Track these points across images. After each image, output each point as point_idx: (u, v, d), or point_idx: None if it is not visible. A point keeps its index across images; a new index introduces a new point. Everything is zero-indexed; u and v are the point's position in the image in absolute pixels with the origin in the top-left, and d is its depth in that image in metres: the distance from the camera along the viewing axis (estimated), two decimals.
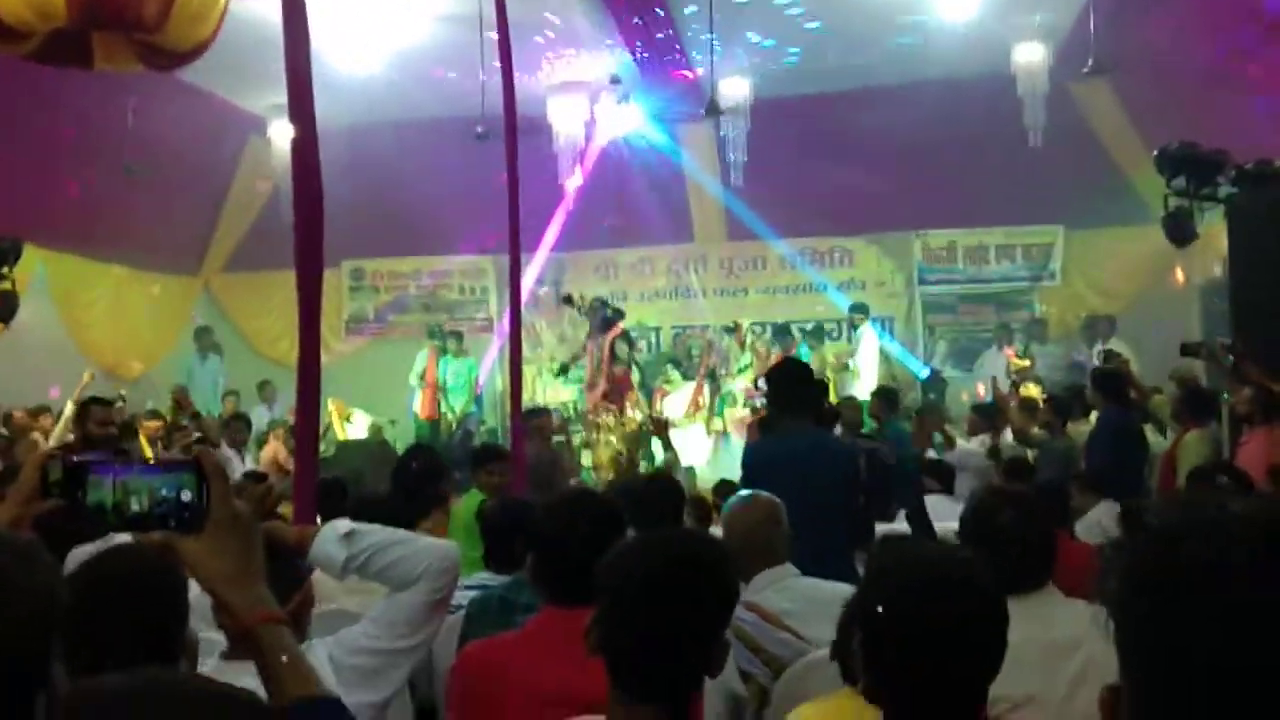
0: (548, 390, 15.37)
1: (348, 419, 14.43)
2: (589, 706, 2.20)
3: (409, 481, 6.25)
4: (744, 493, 4.46)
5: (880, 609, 2.06)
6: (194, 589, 3.41)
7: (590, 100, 14.54)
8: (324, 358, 5.03)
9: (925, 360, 15.88)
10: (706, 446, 13.78)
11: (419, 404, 15.33)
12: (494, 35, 7.87)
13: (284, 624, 1.61)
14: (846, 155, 13.81)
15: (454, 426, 15.02)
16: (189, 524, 1.61)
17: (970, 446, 9.89)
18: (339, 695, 2.26)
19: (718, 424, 14.11)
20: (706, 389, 14.44)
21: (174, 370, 15.38)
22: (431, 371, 15.31)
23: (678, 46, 13.16)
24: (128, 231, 14.05)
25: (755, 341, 14.93)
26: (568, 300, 13.38)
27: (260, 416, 14.38)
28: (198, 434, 10.31)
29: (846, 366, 14.61)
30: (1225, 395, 8.07)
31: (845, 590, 3.21)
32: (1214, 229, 10.18)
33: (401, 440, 14.14)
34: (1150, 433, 9.07)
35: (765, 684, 3.51)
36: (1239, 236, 9.08)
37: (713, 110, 12.78)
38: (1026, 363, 14.04)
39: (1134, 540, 1.11)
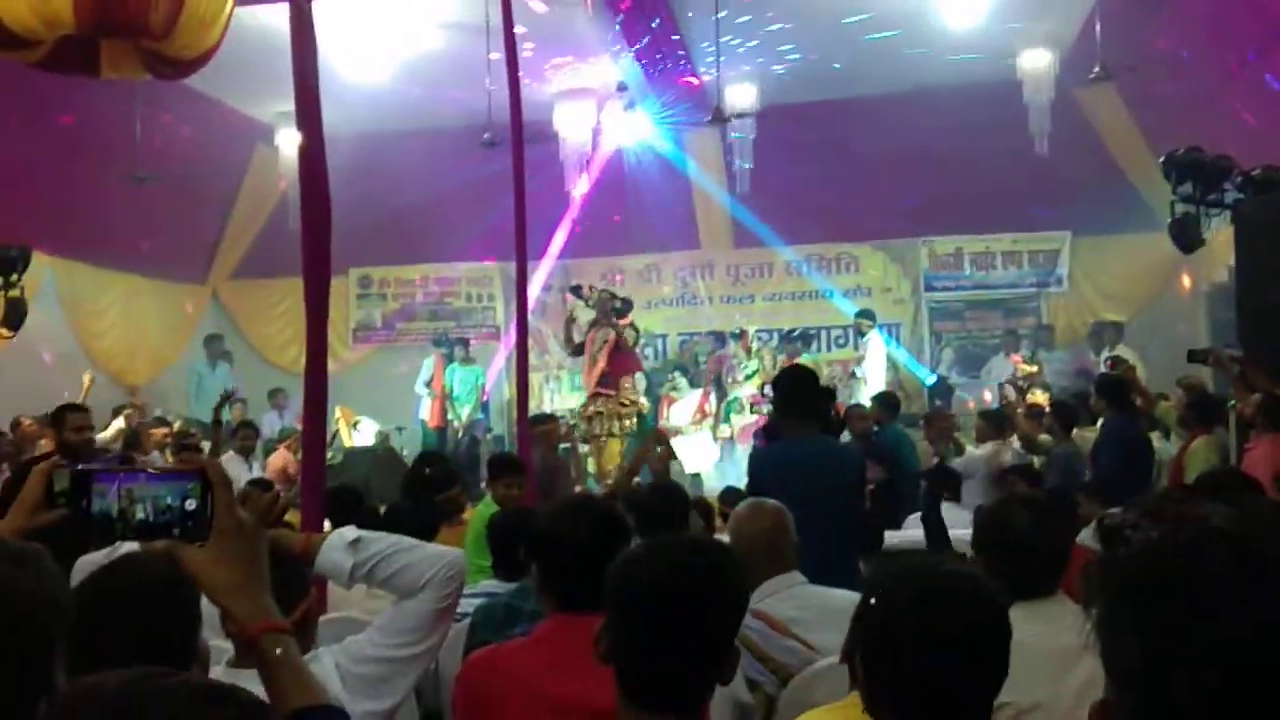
0: (555, 398, 15.35)
1: (355, 426, 14.45)
2: (596, 714, 2.20)
3: (424, 489, 6.24)
4: (752, 499, 4.45)
5: (881, 624, 2.04)
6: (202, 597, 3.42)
7: (597, 108, 14.56)
8: (331, 365, 5.06)
9: (932, 367, 15.86)
10: (713, 453, 13.77)
11: (426, 411, 15.34)
12: (501, 44, 7.89)
13: (288, 633, 1.61)
14: (852, 162, 13.82)
15: (459, 434, 15.03)
16: (193, 532, 1.61)
17: (978, 453, 9.86)
18: (343, 704, 2.27)
19: (724, 430, 14.09)
20: (713, 396, 14.42)
21: (182, 378, 15.41)
22: (439, 379, 15.32)
23: (684, 54, 13.18)
24: (136, 239, 14.09)
25: (761, 349, 14.93)
26: (576, 290, 13.34)
27: (271, 424, 14.41)
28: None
29: (853, 374, 14.61)
30: (1232, 401, 8.05)
31: (852, 598, 3.20)
32: (1221, 235, 10.17)
33: (409, 448, 14.16)
34: (1157, 439, 9.05)
35: (772, 692, 3.51)
36: (1245, 242, 9.06)
37: (719, 117, 12.79)
38: (1035, 368, 14.03)
39: (1114, 558, 1.12)
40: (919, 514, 7.73)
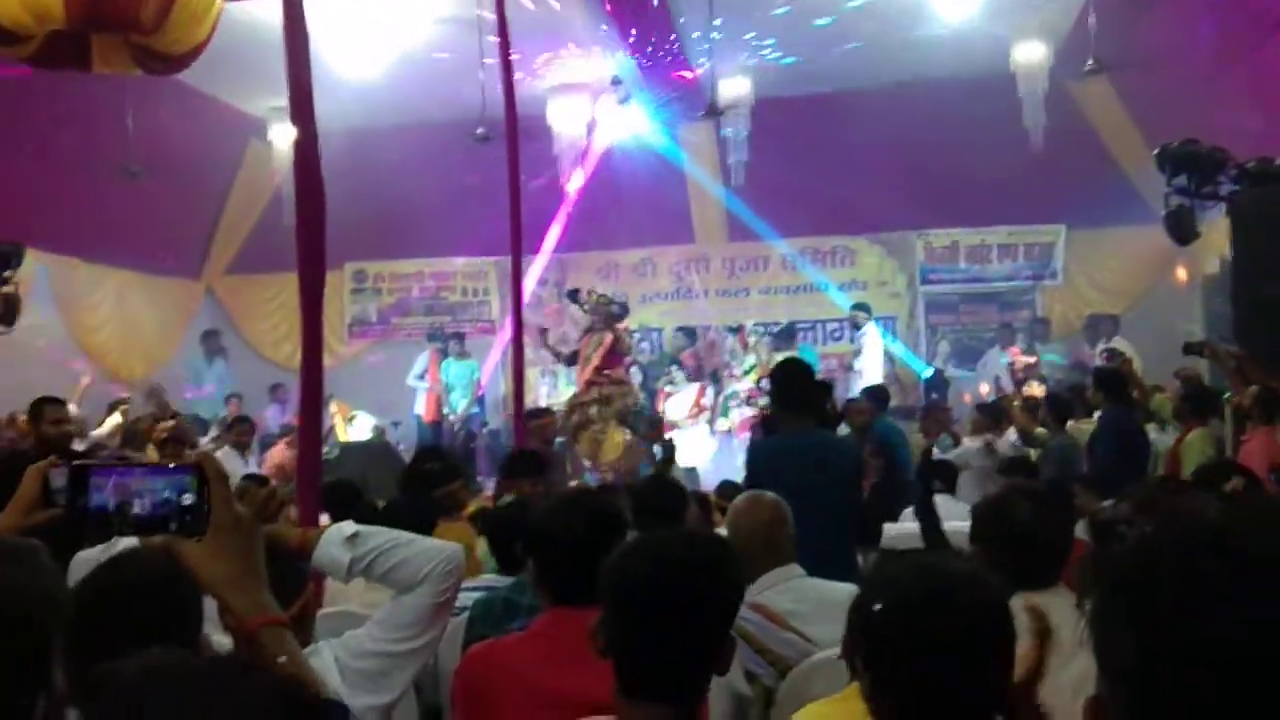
0: (551, 392, 15.34)
1: (350, 421, 14.44)
2: (595, 708, 2.20)
3: (421, 484, 6.22)
4: (749, 492, 4.45)
5: (883, 624, 2.03)
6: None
7: (591, 102, 14.55)
8: (326, 360, 5.05)
9: (928, 360, 15.87)
10: (709, 447, 13.78)
11: (422, 406, 15.33)
12: (494, 38, 7.88)
13: (286, 627, 1.61)
14: (847, 155, 13.81)
15: (456, 428, 15.02)
16: (190, 527, 1.60)
17: (974, 446, 9.88)
18: (343, 699, 2.27)
19: (723, 424, 14.09)
20: (710, 390, 14.42)
21: (177, 373, 15.40)
22: (434, 374, 15.31)
23: (678, 47, 13.16)
24: (130, 235, 14.06)
25: (757, 343, 14.93)
26: (572, 295, 13.35)
27: (274, 418, 14.41)
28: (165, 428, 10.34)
29: (850, 367, 14.62)
30: (1228, 394, 8.07)
31: (850, 590, 3.20)
32: (1216, 227, 10.18)
33: (404, 443, 14.15)
34: (1153, 431, 9.06)
35: (770, 684, 3.51)
36: (1240, 235, 9.07)
37: (713, 111, 12.78)
38: (1033, 359, 14.05)
39: (1106, 554, 1.11)
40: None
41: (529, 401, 11.41)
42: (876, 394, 10.96)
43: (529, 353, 10.85)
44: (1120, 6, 11.73)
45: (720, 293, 16.72)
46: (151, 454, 9.86)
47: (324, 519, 5.01)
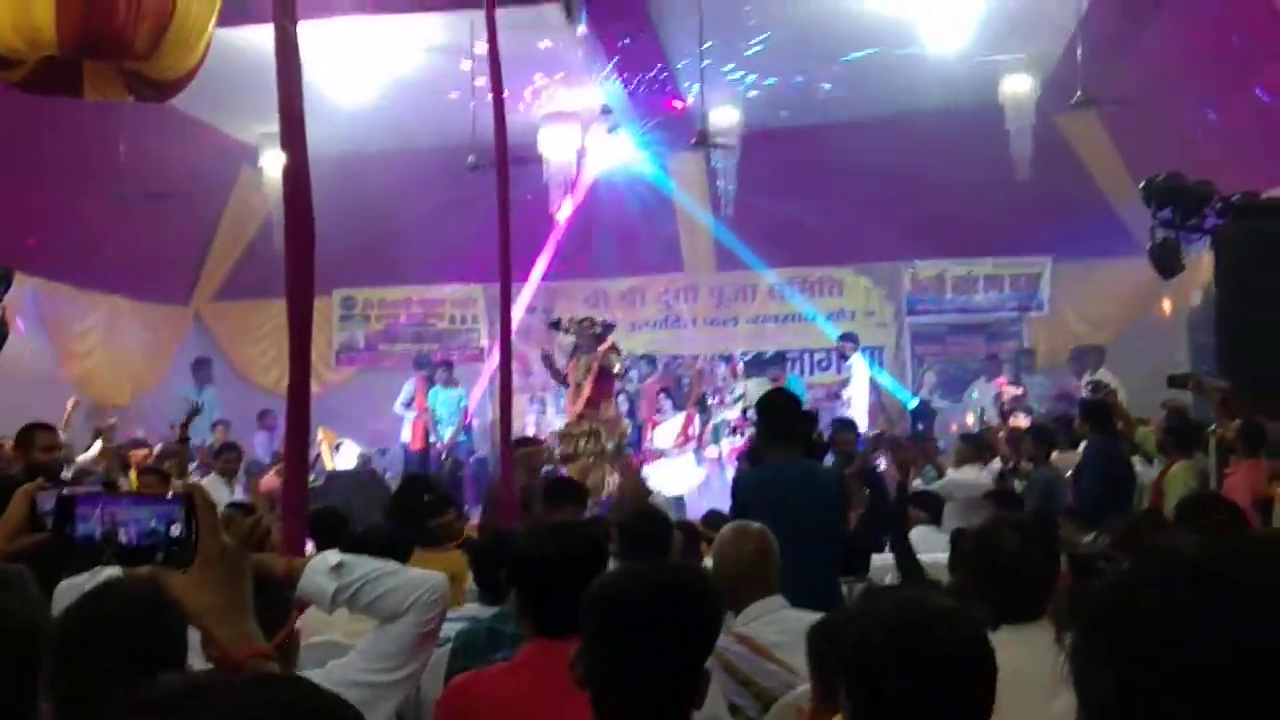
0: (540, 419, 15.31)
1: (337, 449, 14.40)
2: None
3: (407, 513, 6.19)
4: (736, 523, 4.45)
5: (868, 659, 2.04)
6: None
7: (581, 131, 14.59)
8: (314, 387, 5.04)
9: (914, 390, 15.90)
10: (696, 476, 13.76)
11: (408, 434, 15.31)
12: (485, 66, 7.91)
13: (271, 658, 1.61)
14: (835, 186, 13.88)
15: (444, 456, 14.99)
16: (177, 557, 1.60)
17: (958, 477, 9.88)
18: None
19: (713, 452, 14.08)
20: (697, 419, 14.42)
21: (164, 399, 15.34)
22: (420, 401, 15.29)
23: (668, 78, 13.22)
24: (119, 260, 14.05)
25: (745, 373, 14.97)
26: (555, 325, 13.39)
27: (262, 445, 14.36)
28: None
29: (838, 397, 14.65)
30: (1212, 426, 8.10)
31: None
32: (1201, 260, 10.24)
33: (391, 470, 14.12)
34: (1137, 463, 9.08)
35: (754, 717, 3.51)
36: (1225, 268, 9.12)
37: (703, 141, 12.83)
38: (1020, 390, 14.09)
39: (1085, 589, 1.12)
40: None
41: (516, 430, 11.38)
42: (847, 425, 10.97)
43: (517, 380, 10.86)
44: (1107, 40, 11.82)
45: (708, 321, 16.75)
46: (135, 479, 9.82)
47: (310, 547, 5.00)
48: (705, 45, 11.68)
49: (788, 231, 14.77)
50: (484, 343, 16.88)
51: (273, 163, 13.57)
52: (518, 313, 13.60)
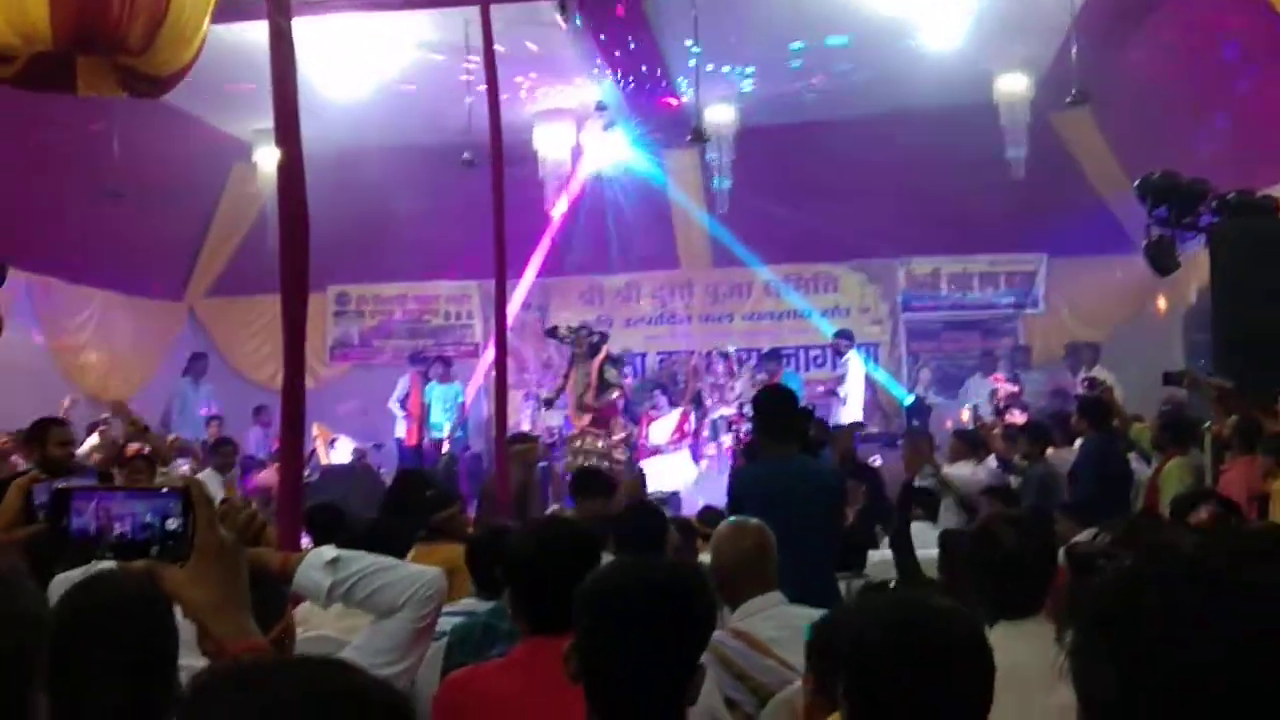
0: (535, 415, 15.31)
1: (332, 444, 14.39)
2: None
3: (424, 510, 6.16)
4: (733, 519, 4.45)
5: (866, 657, 2.04)
6: (179, 616, 3.39)
7: (576, 128, 14.59)
8: (308, 383, 5.03)
9: (909, 387, 15.91)
10: (691, 473, 13.77)
11: (402, 429, 15.30)
12: (480, 62, 7.91)
13: (267, 653, 1.60)
14: (831, 183, 13.89)
15: (442, 451, 14.99)
16: (173, 551, 1.60)
17: (953, 473, 9.87)
18: None
19: (711, 449, 14.09)
20: (692, 415, 14.43)
21: (158, 395, 15.32)
22: (415, 398, 15.28)
23: (663, 74, 13.21)
24: (113, 256, 14.03)
25: (741, 369, 14.98)
26: (552, 333, 13.42)
27: (255, 440, 14.33)
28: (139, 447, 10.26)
29: (834, 393, 14.66)
30: (1208, 423, 8.10)
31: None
32: (1196, 258, 10.25)
33: (386, 466, 14.11)
34: (1133, 460, 9.09)
35: (750, 712, 3.50)
36: (1220, 265, 9.13)
37: (698, 137, 12.82)
38: (1016, 387, 14.10)
39: (1085, 587, 1.12)
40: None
41: (511, 426, 11.39)
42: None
43: (512, 376, 10.87)
44: (1102, 39, 11.82)
45: (704, 318, 16.75)
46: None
47: (305, 542, 5.00)
48: (700, 42, 11.67)
49: (783, 228, 14.77)
50: (479, 339, 16.87)
51: (267, 159, 13.54)
52: (513, 309, 13.59)
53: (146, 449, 9.82)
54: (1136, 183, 9.43)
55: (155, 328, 16.23)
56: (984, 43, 12.25)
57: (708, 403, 14.66)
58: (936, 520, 8.43)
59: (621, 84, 13.25)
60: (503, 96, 7.68)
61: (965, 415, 14.29)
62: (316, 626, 4.16)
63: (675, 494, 12.28)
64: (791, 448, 5.72)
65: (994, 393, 14.10)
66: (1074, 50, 11.59)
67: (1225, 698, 0.98)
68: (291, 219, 4.70)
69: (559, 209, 15.17)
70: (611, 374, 13.12)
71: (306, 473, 8.21)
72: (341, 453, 14.43)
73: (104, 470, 9.24)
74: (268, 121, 5.00)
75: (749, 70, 13.31)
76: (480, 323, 16.85)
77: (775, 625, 3.89)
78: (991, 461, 10.11)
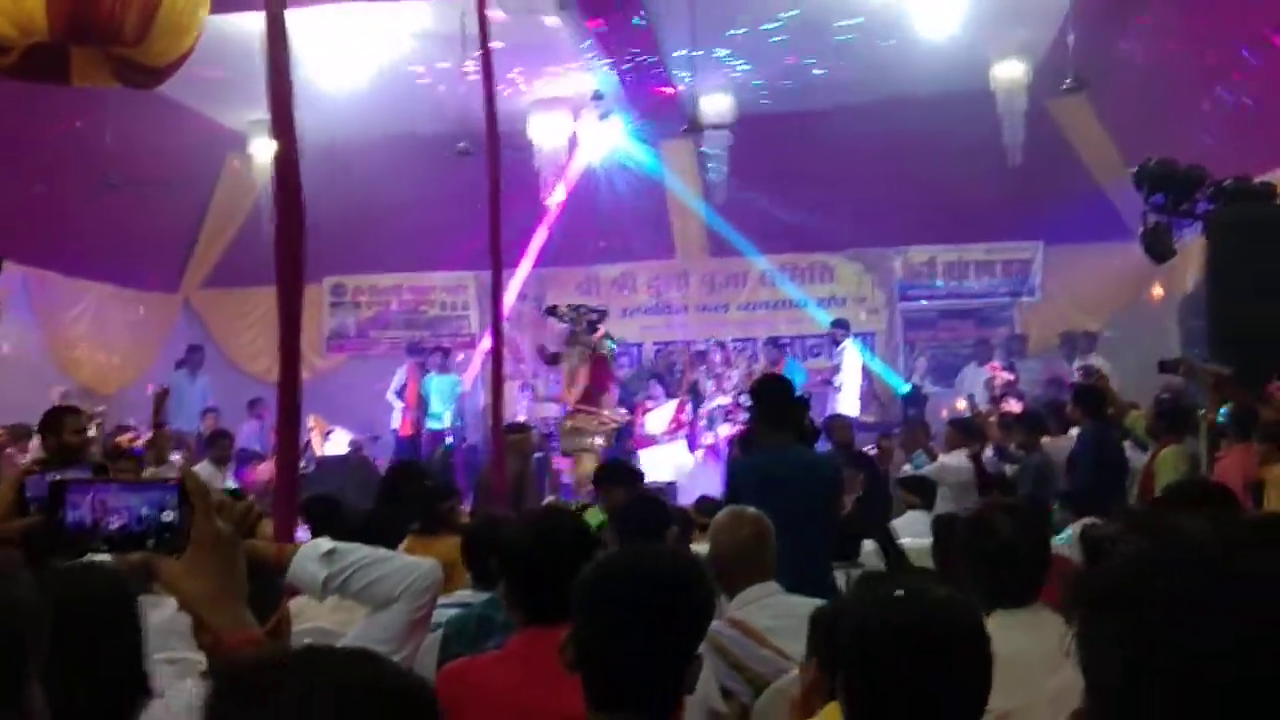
0: (531, 405, 15.29)
1: (327, 436, 14.38)
2: (569, 718, 2.20)
3: (422, 501, 6.16)
4: (731, 508, 4.45)
5: (866, 647, 2.04)
6: (170, 608, 3.38)
7: (572, 117, 14.57)
8: (304, 374, 5.02)
9: (905, 376, 15.91)
10: (687, 463, 13.77)
11: (399, 420, 15.29)
12: (476, 51, 7.89)
13: (263, 645, 1.60)
14: (826, 172, 13.87)
15: (446, 441, 14.99)
16: (170, 543, 1.60)
17: (950, 461, 9.90)
18: None
19: (709, 438, 14.09)
20: (689, 405, 14.43)
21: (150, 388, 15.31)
22: (412, 389, 15.27)
23: (659, 63, 13.19)
24: (108, 248, 14.00)
25: (737, 358, 14.98)
26: (551, 311, 13.38)
27: (249, 433, 14.31)
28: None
29: (830, 383, 14.67)
30: (1203, 410, 8.10)
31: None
32: (1193, 245, 10.25)
33: (382, 457, 14.11)
34: (1128, 448, 9.09)
35: (746, 701, 3.51)
36: (1217, 253, 9.13)
37: (694, 127, 12.80)
38: (1012, 376, 14.11)
39: (1093, 572, 1.12)
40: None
41: (507, 416, 11.39)
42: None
43: (508, 367, 10.85)
44: (1099, 25, 11.81)
45: (700, 308, 16.74)
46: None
47: (302, 534, 4.99)
48: (696, 30, 11.65)
49: (779, 218, 14.77)
50: (475, 330, 16.86)
51: (261, 149, 13.52)
52: (509, 300, 13.59)
53: (139, 444, 9.82)
54: (1133, 170, 9.42)
55: (151, 320, 16.21)
56: (980, 29, 12.23)
57: (704, 392, 14.64)
58: (932, 508, 8.44)
59: (618, 73, 13.23)
60: (497, 86, 7.66)
61: (961, 404, 14.30)
62: (311, 619, 4.15)
63: (672, 484, 12.27)
64: (788, 437, 5.72)
65: (990, 381, 14.09)
66: (1071, 37, 11.58)
67: (1230, 686, 0.98)
68: (287, 210, 4.68)
69: (555, 199, 15.15)
70: (605, 346, 13.07)
71: (303, 464, 8.20)
72: (338, 444, 14.42)
73: (98, 463, 9.22)
74: (262, 112, 4.98)
75: (744, 59, 13.27)
76: (476, 313, 16.83)
77: (771, 614, 3.89)
78: (988, 450, 10.12)
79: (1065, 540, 5.98)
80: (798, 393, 6.39)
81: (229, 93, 12.41)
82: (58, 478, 1.69)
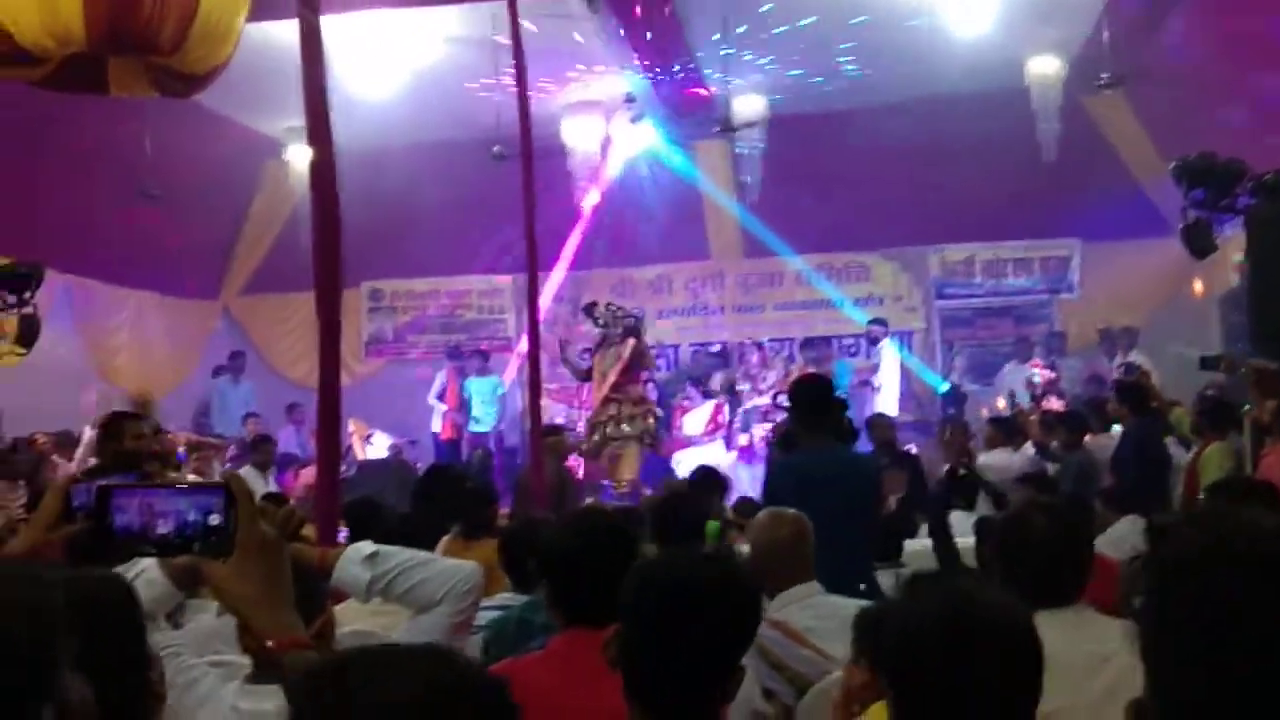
0: (569, 410, 15.28)
1: (368, 440, 14.46)
2: (613, 714, 2.21)
3: (466, 505, 6.18)
4: (771, 509, 4.44)
5: (915, 648, 2.01)
6: (212, 611, 3.41)
7: (605, 120, 14.59)
8: (343, 379, 5.05)
9: (944, 375, 15.83)
10: (725, 463, 13.73)
11: (439, 424, 15.35)
12: (508, 57, 7.91)
13: (310, 649, 1.61)
14: (862, 171, 13.82)
15: (489, 443, 15.02)
16: (216, 547, 1.61)
17: (989, 461, 9.83)
18: None
19: (744, 439, 14.04)
20: (726, 406, 14.39)
21: (194, 394, 15.45)
22: (453, 392, 15.33)
23: (692, 65, 13.19)
24: (148, 256, 14.13)
25: (774, 359, 14.92)
26: (589, 310, 13.35)
27: (288, 438, 14.40)
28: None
29: (868, 382, 14.60)
30: (1246, 407, 8.02)
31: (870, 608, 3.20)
32: (1233, 240, 10.14)
33: (422, 461, 14.16)
34: (1171, 445, 9.02)
35: (789, 702, 3.50)
36: (1257, 247, 9.04)
37: (727, 127, 12.78)
38: (1054, 374, 14.01)
39: (1160, 556, 1.11)
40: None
41: (545, 419, 11.40)
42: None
43: (545, 370, 10.84)
44: (1134, 20, 11.73)
45: (736, 309, 16.72)
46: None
47: (342, 537, 5.02)
48: (729, 32, 11.65)
49: (814, 217, 14.72)
50: (511, 333, 16.90)
51: (298, 156, 13.61)
52: (545, 303, 13.59)
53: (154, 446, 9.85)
54: (1173, 165, 9.33)
55: (191, 327, 16.34)
56: (1015, 25, 12.16)
57: (741, 393, 14.59)
58: (974, 508, 8.38)
59: (650, 75, 13.24)
60: (530, 90, 7.69)
61: (1001, 403, 14.21)
62: (350, 622, 4.18)
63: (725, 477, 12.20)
64: (828, 437, 5.70)
65: (1030, 379, 14.00)
66: (1106, 32, 11.51)
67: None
68: (324, 216, 4.71)
69: (589, 201, 15.17)
70: (648, 356, 12.93)
71: (344, 468, 8.24)
72: (378, 448, 14.49)
73: (143, 469, 9.29)
74: (298, 120, 5.02)
75: (778, 60, 13.25)
76: (513, 317, 16.88)
77: (813, 615, 3.88)
78: (1029, 448, 10.05)
79: (1113, 541, 5.94)
80: (837, 393, 6.37)
81: (265, 101, 12.50)
82: (102, 483, 1.70)
